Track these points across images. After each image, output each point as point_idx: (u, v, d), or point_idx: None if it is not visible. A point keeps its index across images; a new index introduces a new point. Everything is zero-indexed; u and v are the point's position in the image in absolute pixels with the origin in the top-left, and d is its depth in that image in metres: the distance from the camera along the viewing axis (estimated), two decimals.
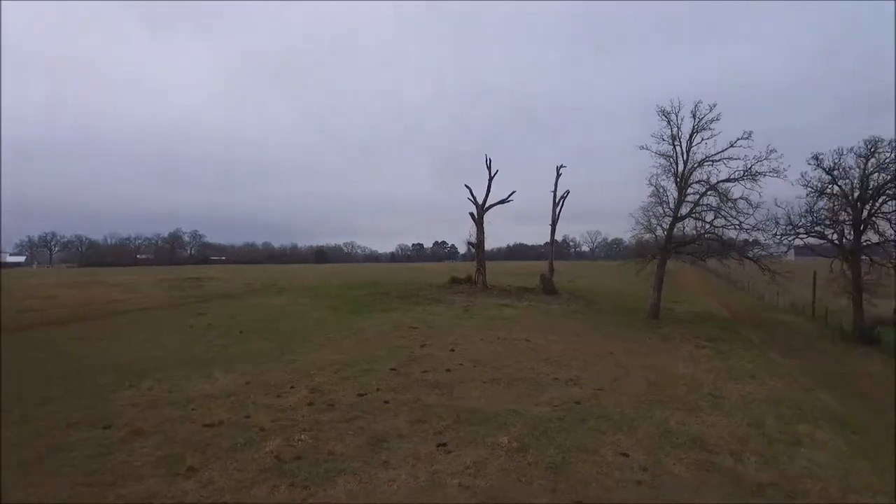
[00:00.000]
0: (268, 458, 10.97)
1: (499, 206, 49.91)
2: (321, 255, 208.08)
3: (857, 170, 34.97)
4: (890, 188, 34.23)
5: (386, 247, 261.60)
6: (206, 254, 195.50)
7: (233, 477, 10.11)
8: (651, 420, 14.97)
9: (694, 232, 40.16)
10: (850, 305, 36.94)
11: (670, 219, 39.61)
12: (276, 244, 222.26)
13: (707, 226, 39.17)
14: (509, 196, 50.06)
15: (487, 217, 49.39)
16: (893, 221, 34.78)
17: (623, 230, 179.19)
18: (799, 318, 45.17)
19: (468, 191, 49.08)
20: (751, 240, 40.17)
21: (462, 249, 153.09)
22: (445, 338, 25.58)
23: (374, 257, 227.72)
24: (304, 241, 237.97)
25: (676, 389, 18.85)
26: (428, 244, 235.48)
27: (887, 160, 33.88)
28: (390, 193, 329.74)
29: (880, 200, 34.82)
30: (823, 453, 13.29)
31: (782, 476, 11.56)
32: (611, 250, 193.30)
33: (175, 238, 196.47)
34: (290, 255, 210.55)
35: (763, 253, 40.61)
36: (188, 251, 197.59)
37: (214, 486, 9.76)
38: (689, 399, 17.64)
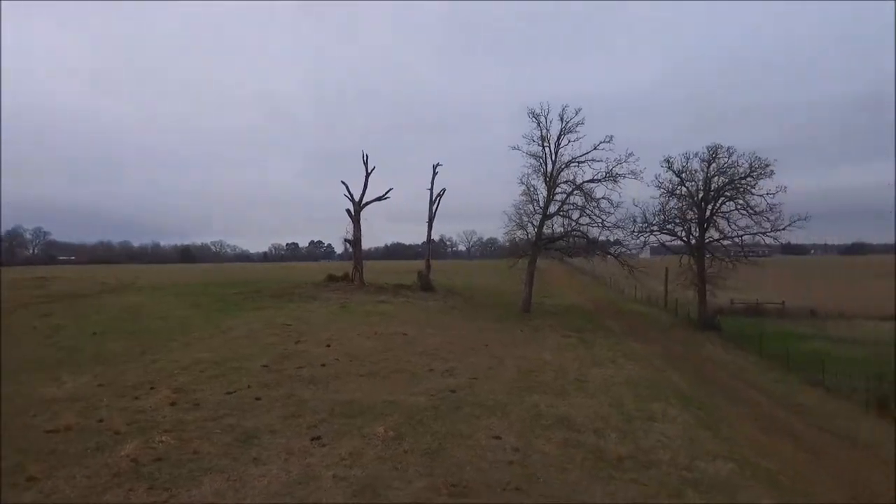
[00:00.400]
0: (123, 461, 10.09)
1: (377, 204, 49.66)
2: (187, 255, 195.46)
3: (702, 173, 38.85)
4: (727, 190, 38.35)
5: (258, 246, 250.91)
6: (53, 253, 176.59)
7: (81, 484, 9.20)
8: (522, 405, 15.58)
9: (562, 229, 42.36)
10: (696, 297, 40.87)
11: (540, 216, 41.55)
12: (136, 243, 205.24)
13: (574, 223, 41.54)
14: (386, 193, 49.95)
15: (365, 216, 48.95)
16: (731, 220, 39.02)
17: (497, 228, 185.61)
18: (653, 310, 49.16)
19: (345, 187, 48.43)
20: (612, 238, 43.09)
21: (339, 249, 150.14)
22: (321, 334, 25.03)
23: (245, 257, 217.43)
24: (168, 240, 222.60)
25: (546, 376, 19.79)
26: (303, 243, 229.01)
27: (725, 164, 37.95)
28: (263, 191, 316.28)
29: (720, 201, 38.92)
30: (673, 426, 14.53)
31: (639, 448, 12.48)
32: (486, 249, 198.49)
33: (14, 235, 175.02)
34: (151, 255, 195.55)
35: (623, 250, 43.74)
36: (31, 250, 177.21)
37: (59, 494, 8.82)
38: (557, 384, 18.59)
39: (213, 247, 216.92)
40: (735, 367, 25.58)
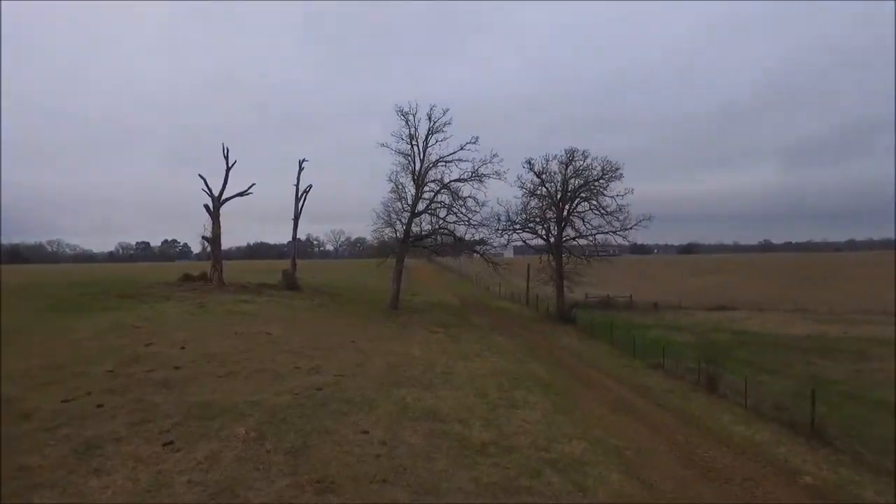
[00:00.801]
0: None
1: (239, 202, 47.46)
2: (16, 255, 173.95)
3: (560, 174, 41.30)
4: (583, 191, 41.08)
5: (104, 245, 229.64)
6: None
7: None
8: (390, 399, 15.61)
9: (430, 227, 43.04)
10: (555, 292, 43.31)
11: (409, 214, 41.87)
12: None
13: (441, 221, 42.36)
14: (249, 188, 47.63)
15: (227, 215, 46.46)
16: (585, 220, 41.88)
17: (366, 227, 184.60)
18: (517, 305, 51.46)
19: (203, 181, 45.51)
20: (478, 237, 44.49)
21: (196, 248, 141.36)
22: (175, 335, 23.33)
23: (88, 257, 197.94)
24: None
25: (413, 370, 19.99)
26: (156, 242, 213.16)
27: (581, 167, 40.64)
28: (108, 187, 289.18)
29: (576, 201, 41.59)
30: (533, 412, 15.30)
31: (501, 434, 12.99)
32: (355, 249, 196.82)
33: None
34: None
35: (488, 248, 45.36)
36: None
37: None
38: (425, 378, 18.85)
39: (48, 246, 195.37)
40: (589, 356, 27.39)
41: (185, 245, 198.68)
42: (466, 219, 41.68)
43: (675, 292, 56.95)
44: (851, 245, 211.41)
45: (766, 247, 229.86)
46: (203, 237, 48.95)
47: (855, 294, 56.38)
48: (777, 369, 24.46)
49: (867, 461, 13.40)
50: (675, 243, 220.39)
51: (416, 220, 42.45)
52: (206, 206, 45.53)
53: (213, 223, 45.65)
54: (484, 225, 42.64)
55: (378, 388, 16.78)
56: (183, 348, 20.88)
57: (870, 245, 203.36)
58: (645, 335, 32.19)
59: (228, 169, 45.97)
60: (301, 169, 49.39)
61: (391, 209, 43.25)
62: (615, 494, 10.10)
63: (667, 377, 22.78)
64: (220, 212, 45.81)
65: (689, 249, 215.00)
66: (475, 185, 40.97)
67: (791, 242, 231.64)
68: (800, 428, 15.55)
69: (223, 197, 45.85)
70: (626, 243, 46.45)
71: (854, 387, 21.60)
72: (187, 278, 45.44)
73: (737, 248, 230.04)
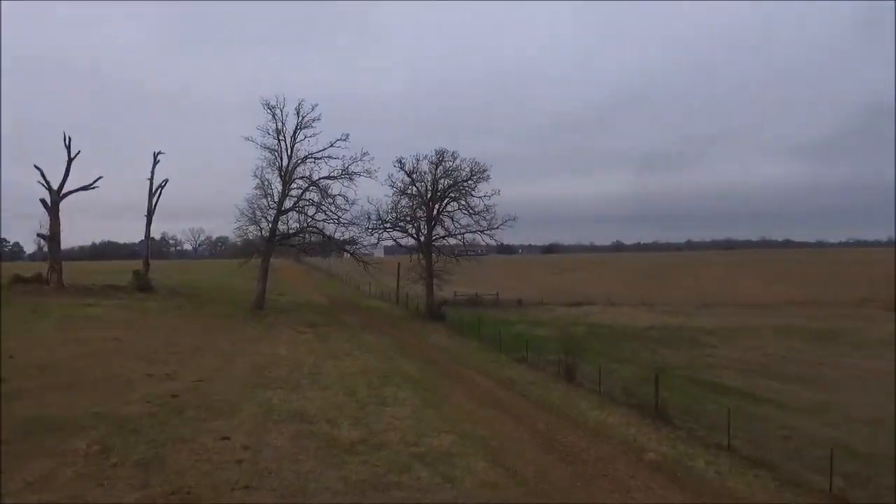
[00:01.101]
0: None
1: (84, 199, 42.74)
2: None
3: (430, 174, 41.90)
4: (452, 191, 42.00)
5: None
6: None
7: None
8: (254, 402, 14.98)
9: (297, 225, 41.81)
10: (425, 290, 43.84)
11: (275, 212, 40.36)
12: None
13: (310, 220, 41.28)
14: (94, 182, 43.26)
15: (68, 211, 41.81)
16: (454, 219, 42.84)
17: (228, 223, 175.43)
18: (387, 304, 51.40)
19: (39, 173, 40.68)
20: (348, 236, 43.93)
21: (30, 248, 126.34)
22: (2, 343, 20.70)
23: None
24: None
25: (280, 371, 19.35)
26: None
27: (450, 168, 41.51)
28: None
29: (445, 201, 42.42)
30: (403, 408, 15.37)
31: (371, 432, 12.88)
32: (216, 249, 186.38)
33: None
34: None
35: (358, 248, 44.95)
36: None
37: None
38: (292, 378, 18.30)
39: None
40: (458, 352, 27.98)
41: (17, 244, 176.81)
42: (336, 217, 41.00)
43: (537, 290, 59.86)
44: (689, 245, 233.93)
45: (619, 247, 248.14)
46: (39, 235, 44.02)
47: (692, 289, 62.66)
48: (627, 358, 26.51)
49: (700, 436, 14.86)
50: (539, 244, 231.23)
51: (283, 218, 41.08)
52: (43, 201, 40.89)
53: (52, 220, 41.08)
54: (354, 224, 42.25)
55: (241, 392, 16.05)
56: (11, 357, 18.54)
57: (705, 245, 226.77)
58: (510, 331, 33.45)
59: (70, 160, 41.49)
60: (156, 162, 45.65)
61: (256, 206, 41.35)
62: (481, 483, 10.35)
63: (530, 370, 23.80)
64: (60, 207, 41.32)
65: (551, 249, 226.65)
66: (345, 183, 40.36)
67: (640, 243, 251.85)
68: (646, 410, 16.91)
69: (64, 191, 41.39)
70: (494, 243, 48.12)
71: (691, 371, 23.94)
72: (18, 280, 40.43)
73: (593, 249, 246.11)
